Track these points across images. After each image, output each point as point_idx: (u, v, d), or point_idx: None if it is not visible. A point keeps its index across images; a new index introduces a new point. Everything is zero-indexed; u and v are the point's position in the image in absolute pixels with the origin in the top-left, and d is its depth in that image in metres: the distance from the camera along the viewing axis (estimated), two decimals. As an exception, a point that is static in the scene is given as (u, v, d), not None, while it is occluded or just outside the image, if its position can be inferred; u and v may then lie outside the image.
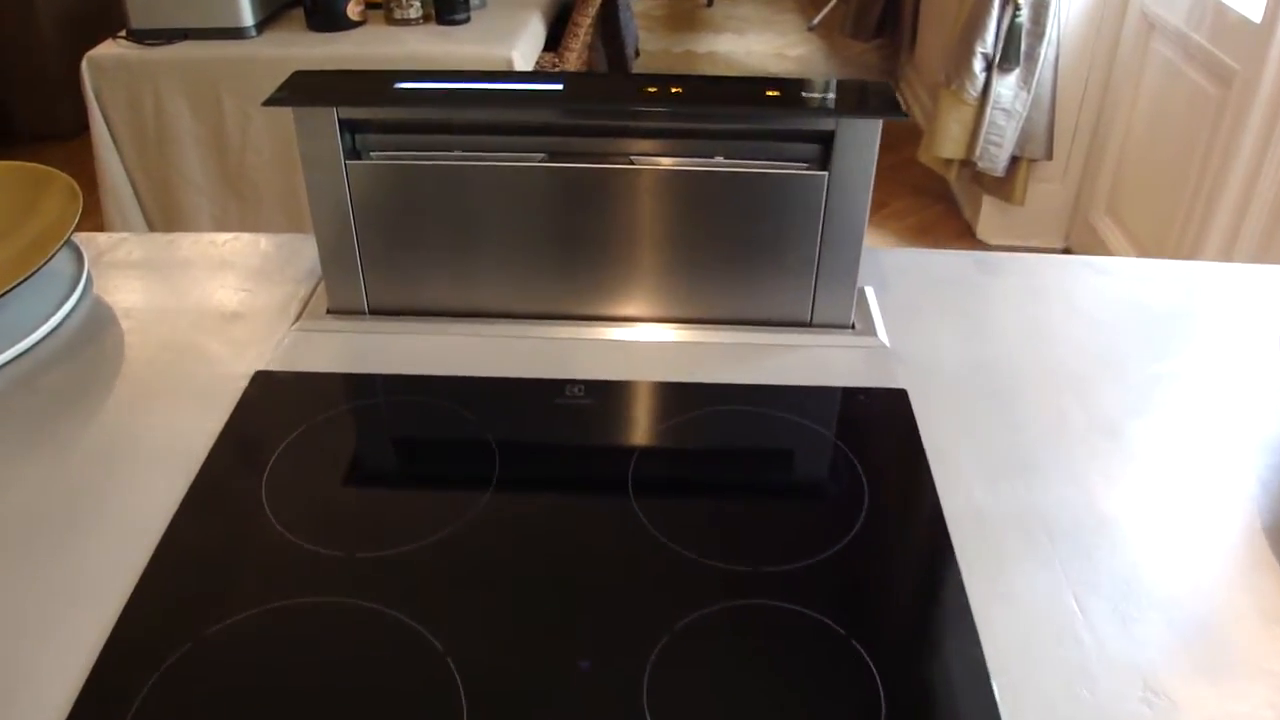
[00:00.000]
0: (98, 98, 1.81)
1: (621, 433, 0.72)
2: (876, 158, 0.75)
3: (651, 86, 0.77)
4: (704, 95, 0.78)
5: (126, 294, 0.88)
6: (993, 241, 2.58)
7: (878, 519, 0.62)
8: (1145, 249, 2.18)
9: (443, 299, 0.83)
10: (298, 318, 0.83)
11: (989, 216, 2.55)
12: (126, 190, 1.91)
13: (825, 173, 0.75)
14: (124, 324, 0.83)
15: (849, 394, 0.75)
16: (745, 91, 0.80)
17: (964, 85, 2.25)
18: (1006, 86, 2.22)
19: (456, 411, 0.72)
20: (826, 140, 0.75)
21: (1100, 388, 0.76)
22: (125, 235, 0.99)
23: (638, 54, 3.98)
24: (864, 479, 0.66)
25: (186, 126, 1.84)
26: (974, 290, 0.89)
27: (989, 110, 2.25)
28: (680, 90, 0.76)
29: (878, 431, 0.71)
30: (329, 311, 0.84)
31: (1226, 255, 1.82)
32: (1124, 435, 0.71)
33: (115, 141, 1.86)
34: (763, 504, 0.65)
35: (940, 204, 2.85)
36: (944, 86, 2.33)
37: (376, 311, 0.84)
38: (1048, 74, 2.23)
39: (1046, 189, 2.46)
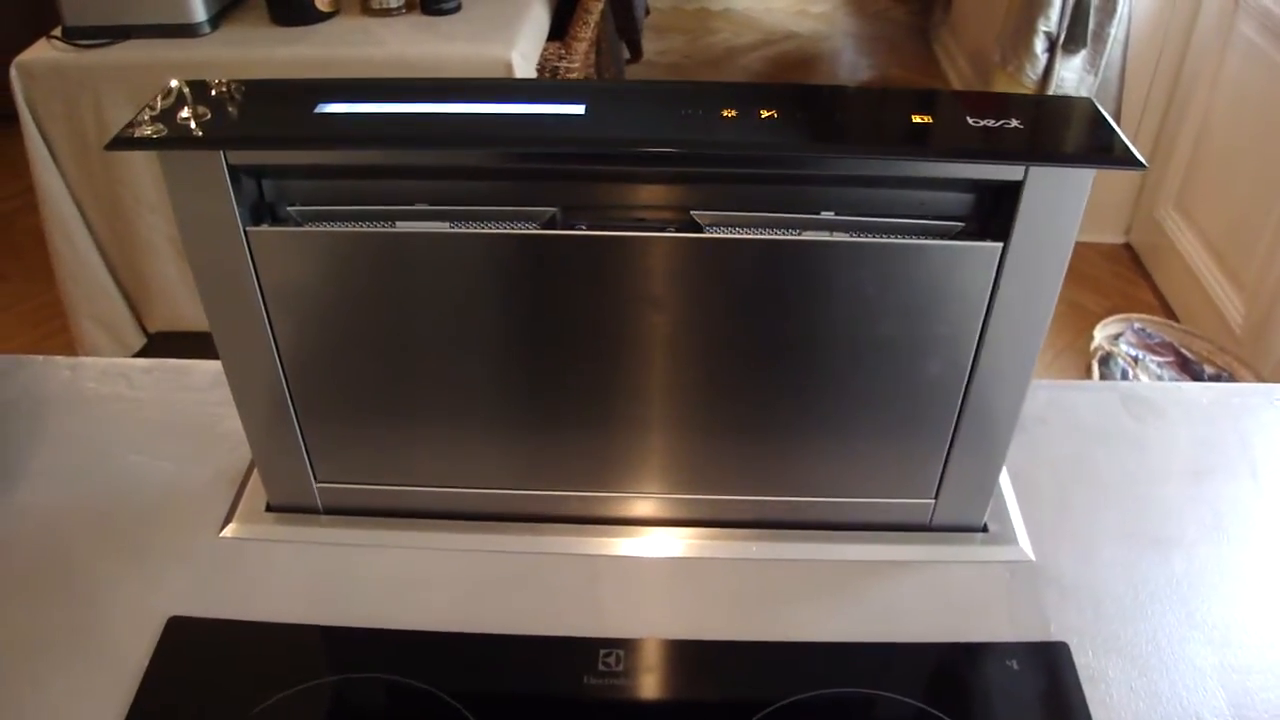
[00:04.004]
0: (31, 109, 1.57)
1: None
2: (1078, 230, 0.50)
3: (728, 108, 0.49)
4: (814, 125, 0.51)
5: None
6: (1042, 235, 2.33)
7: None
8: (1218, 251, 1.94)
9: (422, 495, 0.61)
10: (229, 517, 0.61)
11: (1038, 207, 2.30)
12: (72, 213, 1.66)
13: (1000, 244, 0.50)
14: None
15: (990, 658, 0.53)
16: (876, 116, 0.54)
17: (1022, 67, 1.98)
18: (1071, 69, 1.96)
19: (450, 710, 0.51)
20: (1003, 195, 0.49)
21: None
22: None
23: (648, 12, 3.68)
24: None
25: (135, 140, 1.59)
26: (1130, 451, 0.67)
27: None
28: (774, 113, 0.49)
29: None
30: (269, 508, 0.62)
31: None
32: None
33: (55, 158, 1.61)
34: None
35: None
36: (999, 68, 2.07)
37: (333, 510, 0.62)
38: (1117, 55, 1.96)
39: (1105, 178, 2.21)
